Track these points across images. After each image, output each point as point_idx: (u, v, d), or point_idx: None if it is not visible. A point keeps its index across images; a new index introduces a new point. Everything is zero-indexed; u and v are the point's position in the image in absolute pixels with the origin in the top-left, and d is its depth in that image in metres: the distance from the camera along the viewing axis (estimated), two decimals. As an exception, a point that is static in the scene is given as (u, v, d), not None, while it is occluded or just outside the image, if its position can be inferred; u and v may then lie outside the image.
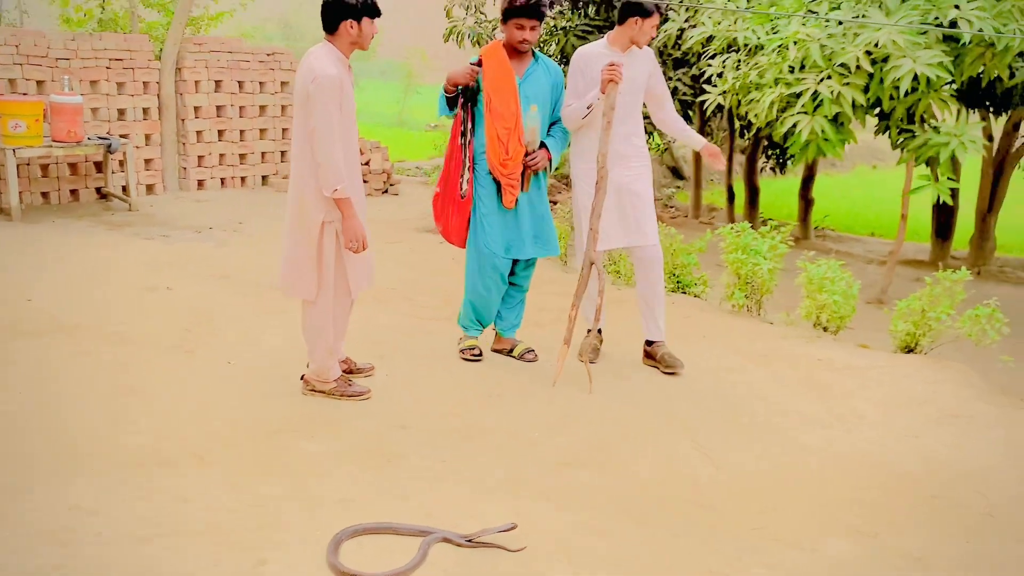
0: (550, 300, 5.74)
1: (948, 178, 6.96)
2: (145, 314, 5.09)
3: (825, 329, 5.59)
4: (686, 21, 8.95)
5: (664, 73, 9.62)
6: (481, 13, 11.25)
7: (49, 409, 3.76)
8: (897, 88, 6.47)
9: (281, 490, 3.17)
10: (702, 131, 12.34)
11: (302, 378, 4.09)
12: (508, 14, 4.30)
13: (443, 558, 2.81)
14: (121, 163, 8.25)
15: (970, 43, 6.42)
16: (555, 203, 8.68)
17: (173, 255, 6.53)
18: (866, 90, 6.71)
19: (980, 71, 6.68)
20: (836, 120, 6.78)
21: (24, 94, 7.84)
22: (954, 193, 7.30)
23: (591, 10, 10.55)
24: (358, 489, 3.22)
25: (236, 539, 2.83)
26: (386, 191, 10.09)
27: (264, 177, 9.89)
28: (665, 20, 8.90)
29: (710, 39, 8.19)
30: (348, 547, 2.82)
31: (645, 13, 4.34)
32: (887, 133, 7.33)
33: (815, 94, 6.67)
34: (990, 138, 10.25)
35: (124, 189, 8.24)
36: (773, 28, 7.41)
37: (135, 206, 8.09)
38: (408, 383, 4.28)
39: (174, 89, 9.01)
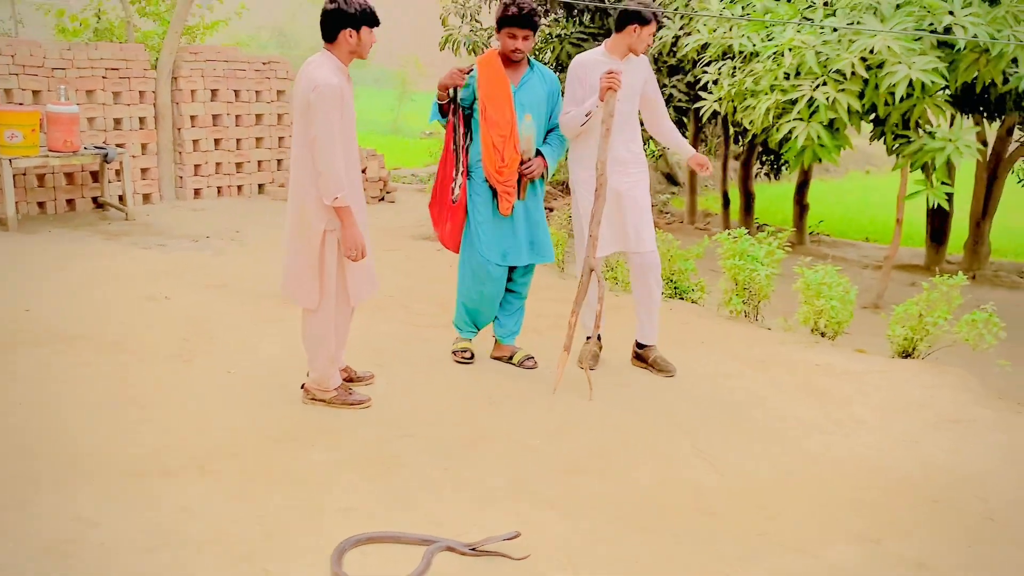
0: (548, 307, 5.75)
1: (943, 183, 6.99)
2: (144, 324, 5.08)
3: (823, 334, 5.61)
4: (681, 28, 8.99)
5: (659, 80, 9.69)
6: (476, 21, 11.26)
7: (50, 420, 3.75)
8: (892, 94, 6.52)
9: (283, 500, 3.17)
10: (697, 137, 12.40)
11: (302, 387, 4.09)
12: (501, 23, 4.34)
13: (447, 567, 2.81)
14: (117, 172, 8.24)
15: (964, 49, 6.46)
16: (551, 210, 8.69)
17: (170, 264, 6.52)
18: (861, 96, 6.75)
19: (974, 77, 6.72)
20: (832, 126, 6.82)
21: (20, 104, 7.83)
22: (949, 198, 7.33)
23: (586, 18, 10.58)
24: (360, 498, 3.22)
25: (239, 549, 2.83)
26: (382, 199, 10.11)
27: (261, 185, 9.89)
28: (660, 27, 8.93)
29: (705, 46, 8.22)
30: (351, 556, 2.82)
31: (643, 21, 4.37)
32: (882, 139, 7.36)
33: (811, 100, 6.70)
34: (984, 143, 10.30)
35: (121, 198, 8.22)
36: (768, 35, 7.45)
37: (132, 215, 8.08)
38: (408, 391, 4.28)
39: (170, 98, 9.01)
